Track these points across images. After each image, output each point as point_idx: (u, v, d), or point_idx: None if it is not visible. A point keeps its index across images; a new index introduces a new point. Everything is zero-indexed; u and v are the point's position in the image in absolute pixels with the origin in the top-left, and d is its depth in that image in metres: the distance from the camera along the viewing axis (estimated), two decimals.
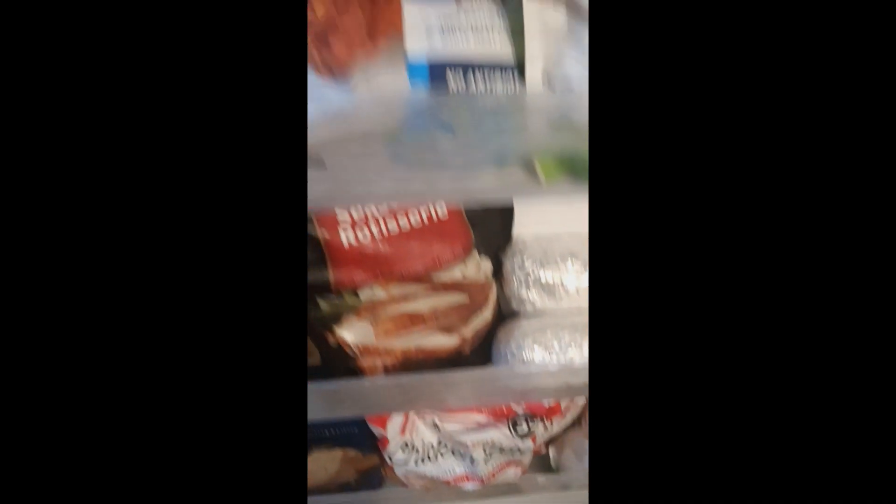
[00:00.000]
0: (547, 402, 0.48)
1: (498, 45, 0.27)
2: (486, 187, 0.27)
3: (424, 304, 0.44)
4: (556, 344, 0.43)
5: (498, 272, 0.45)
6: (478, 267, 0.45)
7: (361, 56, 0.26)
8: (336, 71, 0.26)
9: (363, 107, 0.26)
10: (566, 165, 0.27)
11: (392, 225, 0.41)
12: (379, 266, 0.42)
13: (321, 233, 0.41)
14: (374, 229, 0.41)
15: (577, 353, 0.43)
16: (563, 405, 0.49)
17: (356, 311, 0.42)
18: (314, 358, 0.45)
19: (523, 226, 0.44)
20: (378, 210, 0.36)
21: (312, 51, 0.26)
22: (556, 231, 0.45)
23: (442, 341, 0.44)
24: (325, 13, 0.25)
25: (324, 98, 0.26)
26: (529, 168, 0.26)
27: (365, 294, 0.43)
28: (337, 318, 0.42)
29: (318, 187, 0.26)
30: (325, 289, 0.43)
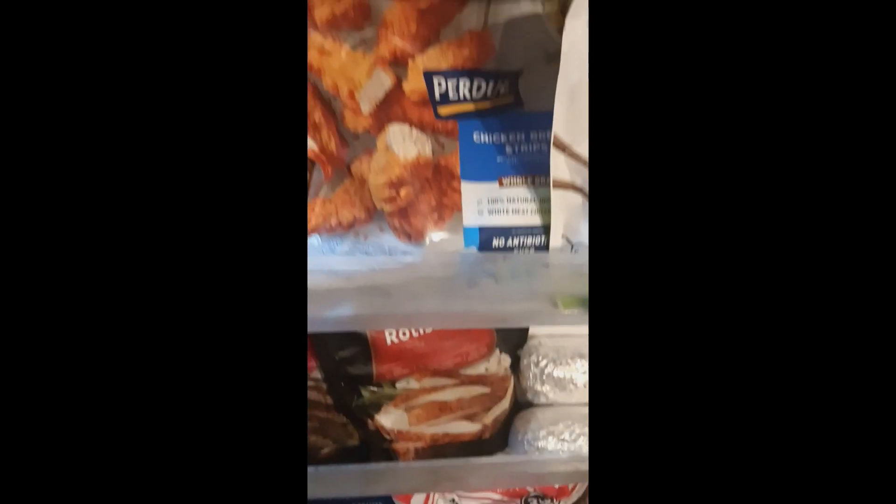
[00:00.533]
0: (557, 485, 0.53)
1: (530, 216, 0.36)
2: (517, 312, 0.35)
3: (452, 394, 0.51)
4: (566, 434, 0.49)
5: (516, 367, 0.52)
6: (499, 362, 0.53)
7: (431, 226, 0.35)
8: (413, 237, 0.34)
9: (429, 261, 0.34)
10: (581, 301, 0.35)
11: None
12: (415, 361, 0.49)
13: (369, 332, 0.49)
14: (414, 330, 0.49)
15: (585, 442, 0.49)
16: (570, 486, 0.55)
17: (393, 399, 0.49)
18: (354, 440, 0.51)
19: (538, 328, 0.52)
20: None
21: (395, 222, 0.34)
22: (565, 333, 0.52)
23: (466, 428, 0.50)
24: (406, 194, 0.34)
25: (399, 253, 0.35)
26: (553, 303, 0.34)
27: (401, 385, 0.50)
28: (377, 406, 0.49)
29: (376, 307, 0.34)
30: (368, 380, 0.49)
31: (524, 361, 0.53)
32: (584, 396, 0.51)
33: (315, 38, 0.33)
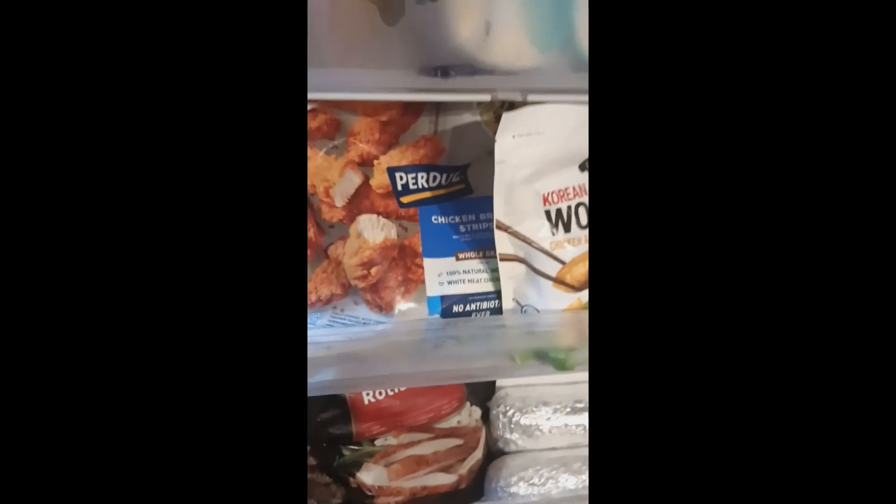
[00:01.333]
0: None
1: (484, 285, 0.42)
2: (480, 368, 0.40)
3: (428, 448, 0.54)
4: (535, 479, 0.53)
5: (486, 418, 0.57)
6: (470, 414, 0.57)
7: (399, 298, 0.40)
8: (384, 308, 0.40)
9: (399, 328, 0.40)
10: (534, 354, 0.40)
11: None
12: (392, 419, 0.53)
13: (348, 394, 0.52)
14: (389, 390, 0.53)
15: (553, 485, 0.53)
16: None
17: (373, 457, 0.52)
18: (337, 498, 0.54)
19: (504, 380, 0.57)
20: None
21: (367, 296, 0.40)
22: (529, 383, 0.57)
23: (443, 480, 0.53)
24: (376, 272, 0.40)
25: (372, 323, 0.40)
26: (511, 357, 0.40)
27: (380, 442, 0.53)
28: (357, 464, 0.52)
29: (354, 371, 0.38)
30: (349, 439, 0.53)
31: (493, 412, 0.57)
32: (549, 441, 0.56)
33: None
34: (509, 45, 0.28)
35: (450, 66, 0.29)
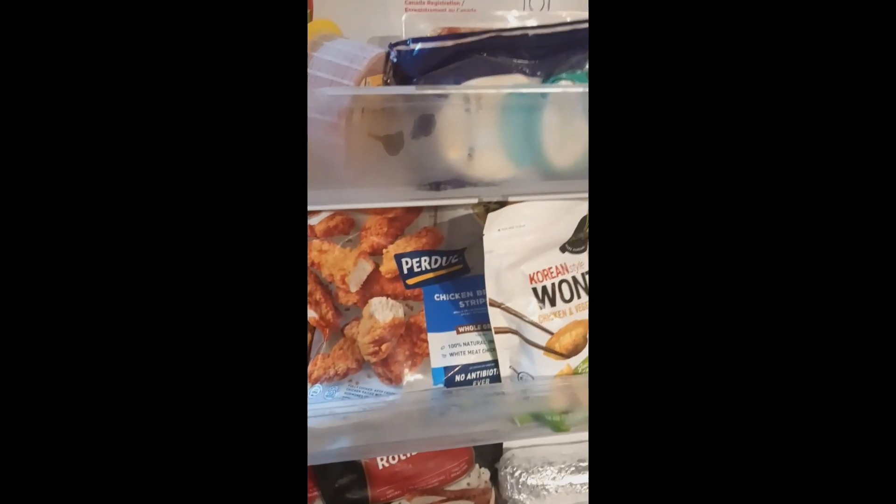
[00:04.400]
0: None
1: (482, 355, 0.47)
2: (483, 432, 0.44)
3: None
4: None
5: (494, 479, 0.60)
6: (479, 476, 0.60)
7: (407, 371, 0.45)
8: (394, 380, 0.45)
9: (407, 398, 0.45)
10: (533, 417, 0.44)
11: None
12: (405, 482, 0.56)
13: (364, 460, 0.56)
14: (402, 455, 0.56)
15: None
16: None
17: None
18: None
19: (510, 442, 0.60)
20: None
21: (379, 370, 0.45)
22: (534, 444, 0.61)
23: None
24: (387, 348, 0.45)
25: (384, 394, 0.45)
26: (511, 421, 0.44)
27: None
28: None
29: (368, 439, 0.43)
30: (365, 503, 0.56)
31: (501, 473, 0.60)
32: (556, 501, 0.58)
33: (315, 243, 0.46)
34: (490, 163, 0.35)
35: (441, 181, 0.36)
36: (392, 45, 0.34)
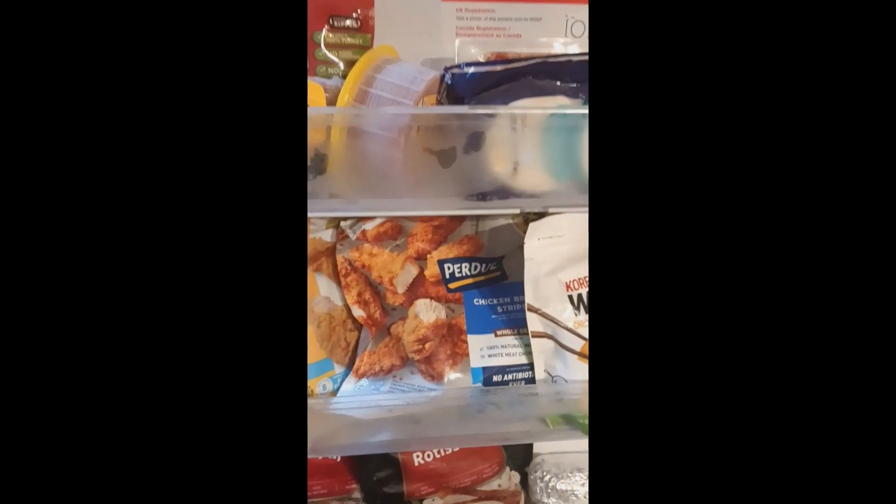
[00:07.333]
0: None
1: (518, 358, 0.50)
2: (517, 432, 0.46)
3: None
4: None
5: (524, 483, 0.61)
6: (509, 479, 0.62)
7: (448, 369, 0.48)
8: (435, 378, 0.48)
9: (447, 395, 0.47)
10: (564, 419, 0.46)
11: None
12: (439, 480, 0.59)
13: (401, 456, 0.59)
14: (437, 452, 0.59)
15: None
16: None
17: None
18: None
19: (540, 447, 0.62)
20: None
21: (422, 367, 0.48)
22: (565, 449, 0.62)
23: None
24: (430, 347, 0.48)
25: (426, 390, 0.48)
26: (543, 422, 0.46)
27: (428, 502, 0.59)
28: None
29: (410, 432, 0.45)
30: (400, 499, 0.58)
31: (531, 477, 0.62)
32: None
33: (366, 247, 0.50)
34: (532, 177, 0.38)
35: (487, 192, 0.39)
36: (447, 69, 0.38)
